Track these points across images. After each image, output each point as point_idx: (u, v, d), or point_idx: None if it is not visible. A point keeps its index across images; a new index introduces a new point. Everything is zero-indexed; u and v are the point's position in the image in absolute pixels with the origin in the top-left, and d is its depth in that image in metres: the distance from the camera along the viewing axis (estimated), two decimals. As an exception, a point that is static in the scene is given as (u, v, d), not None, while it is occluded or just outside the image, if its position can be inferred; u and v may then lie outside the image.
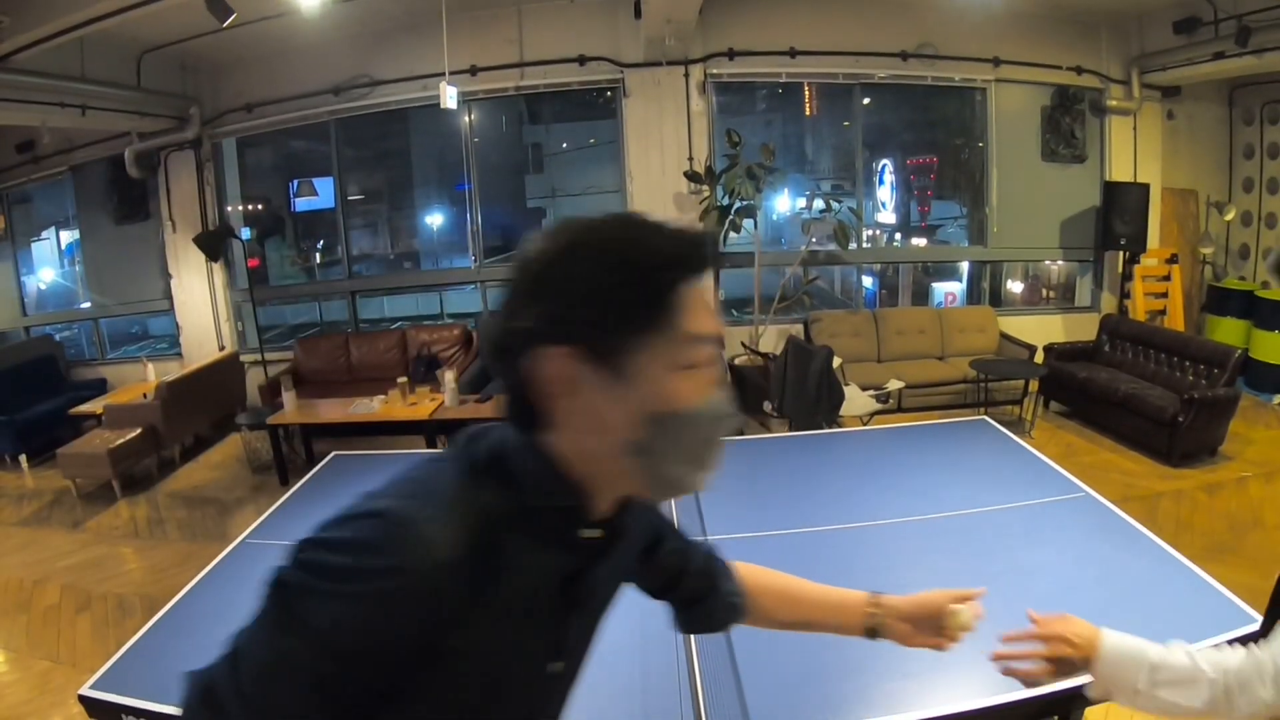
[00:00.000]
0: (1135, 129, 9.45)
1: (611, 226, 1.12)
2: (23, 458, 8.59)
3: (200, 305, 10.11)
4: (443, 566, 0.98)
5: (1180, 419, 6.69)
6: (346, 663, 0.97)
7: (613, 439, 1.08)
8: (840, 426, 6.86)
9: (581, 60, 9.02)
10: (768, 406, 8.05)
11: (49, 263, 11.67)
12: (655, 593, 1.64)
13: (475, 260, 10.04)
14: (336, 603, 0.96)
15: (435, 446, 7.19)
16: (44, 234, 11.61)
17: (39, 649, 5.04)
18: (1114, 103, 9.31)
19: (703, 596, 1.65)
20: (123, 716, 2.49)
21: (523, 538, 1.08)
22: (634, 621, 2.79)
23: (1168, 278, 9.24)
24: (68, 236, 11.46)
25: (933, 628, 1.73)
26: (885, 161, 10.45)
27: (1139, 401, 7.13)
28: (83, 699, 2.56)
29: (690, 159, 9.11)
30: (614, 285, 1.05)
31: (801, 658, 2.55)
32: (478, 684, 1.09)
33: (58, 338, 10.78)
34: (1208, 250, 9.80)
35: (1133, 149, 9.45)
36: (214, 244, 9.22)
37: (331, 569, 0.98)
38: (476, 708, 1.11)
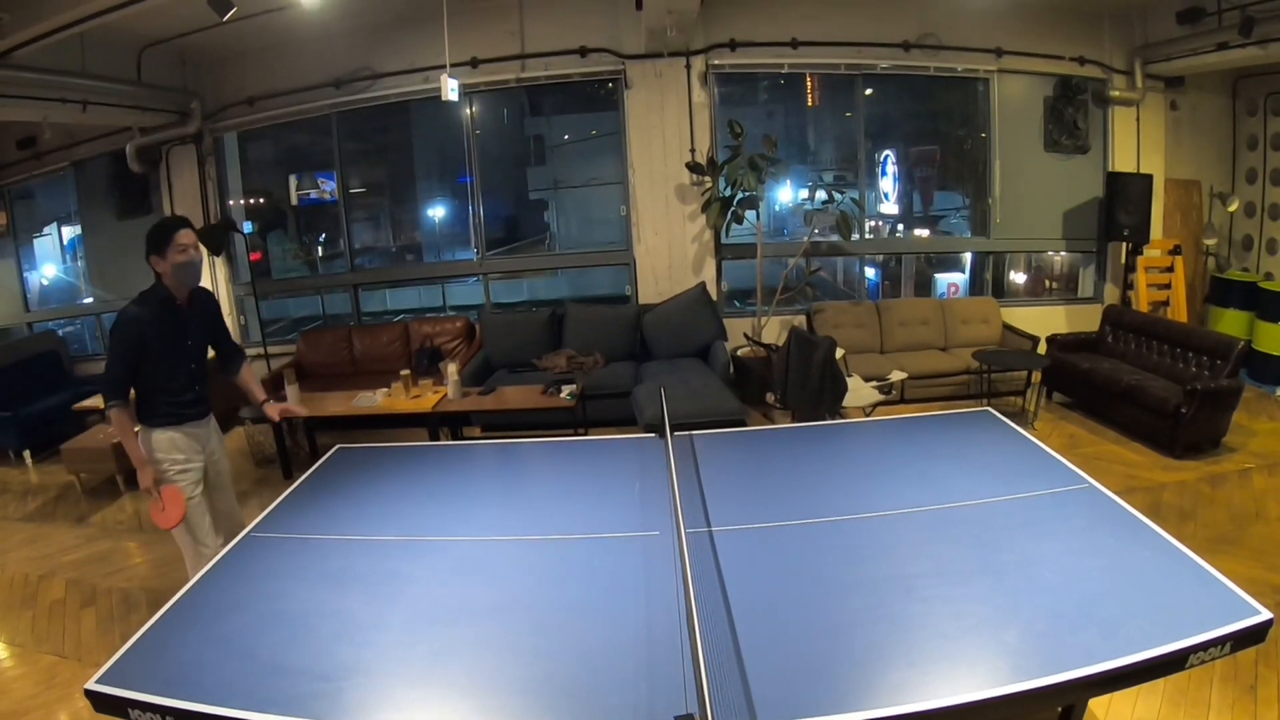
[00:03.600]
0: (1138, 119, 9.43)
1: (152, 228, 4.15)
2: (27, 453, 8.61)
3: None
4: (137, 316, 4.10)
5: (1183, 410, 6.69)
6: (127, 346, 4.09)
7: (170, 274, 4.17)
8: (843, 418, 6.86)
9: (583, 52, 9.01)
10: (770, 398, 8.06)
11: (51, 258, 11.68)
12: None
13: (478, 252, 10.03)
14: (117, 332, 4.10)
15: (438, 439, 7.20)
16: (46, 230, 11.61)
17: (45, 644, 5.05)
18: (1117, 93, 9.29)
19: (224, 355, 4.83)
20: (129, 710, 2.50)
21: (158, 307, 4.17)
22: (639, 613, 2.81)
23: (1171, 269, 9.21)
24: (70, 232, 11.46)
25: None
26: (888, 152, 10.42)
27: (1142, 393, 7.12)
28: (89, 693, 2.56)
29: (692, 150, 9.10)
30: (155, 235, 4.13)
31: (807, 649, 2.55)
32: (158, 350, 4.17)
33: (61, 333, 10.78)
34: (1211, 241, 9.79)
35: (1136, 140, 9.43)
36: (216, 238, 9.20)
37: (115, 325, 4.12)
38: (161, 360, 4.19)
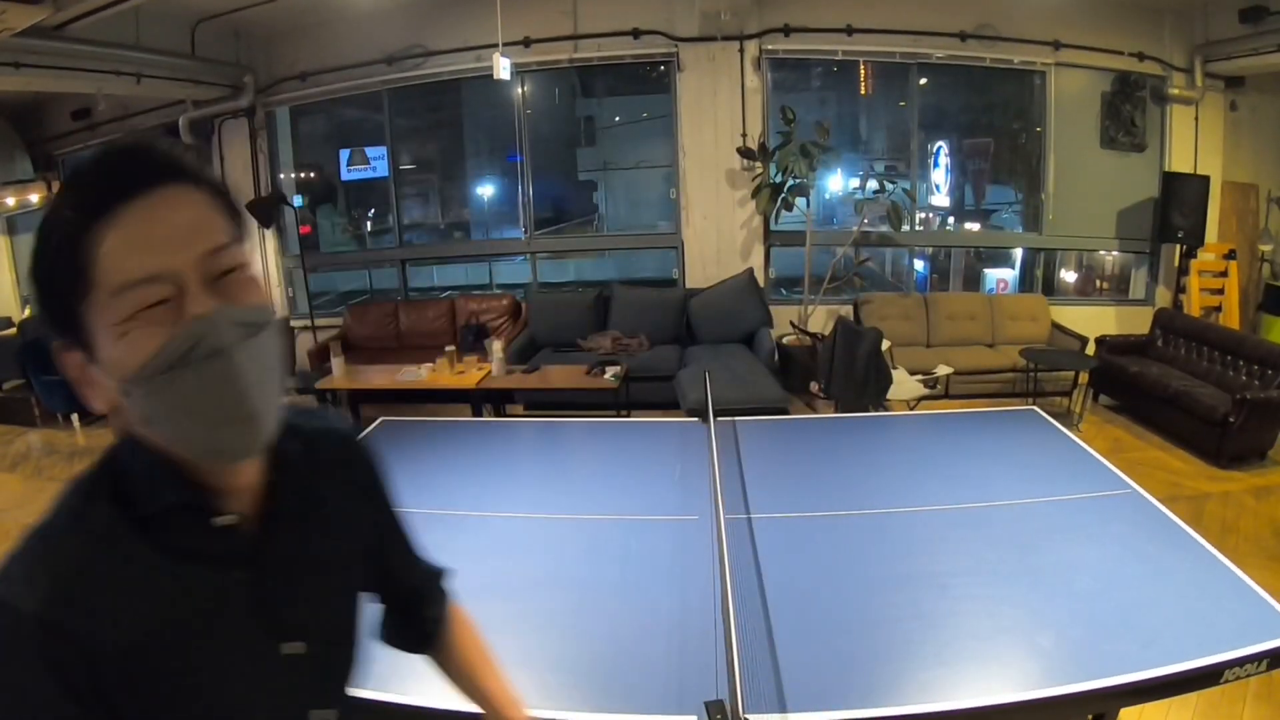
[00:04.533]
0: (1197, 119, 9.24)
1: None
2: (75, 417, 8.74)
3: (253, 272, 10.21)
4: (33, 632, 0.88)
5: (1231, 419, 6.57)
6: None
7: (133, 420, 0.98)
8: (887, 410, 6.82)
9: (636, 34, 8.98)
10: (814, 387, 8.03)
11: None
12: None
13: (526, 231, 10.07)
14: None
15: (481, 415, 7.25)
16: (99, 199, 11.74)
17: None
18: (1176, 91, 9.11)
19: (406, 609, 1.56)
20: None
21: (150, 554, 0.98)
22: (674, 596, 2.81)
23: (1225, 274, 9.02)
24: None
25: None
26: (941, 143, 10.30)
27: (1190, 399, 7.01)
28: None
29: (744, 135, 9.06)
30: (42, 263, 0.93)
31: (839, 642, 2.55)
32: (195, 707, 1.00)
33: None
34: (1267, 248, 9.61)
35: (1194, 140, 9.25)
36: (266, 211, 9.29)
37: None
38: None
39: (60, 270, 0.91)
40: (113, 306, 0.91)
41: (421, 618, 1.56)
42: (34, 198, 10.52)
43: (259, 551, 1.07)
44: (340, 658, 1.26)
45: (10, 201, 10.31)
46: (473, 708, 1.56)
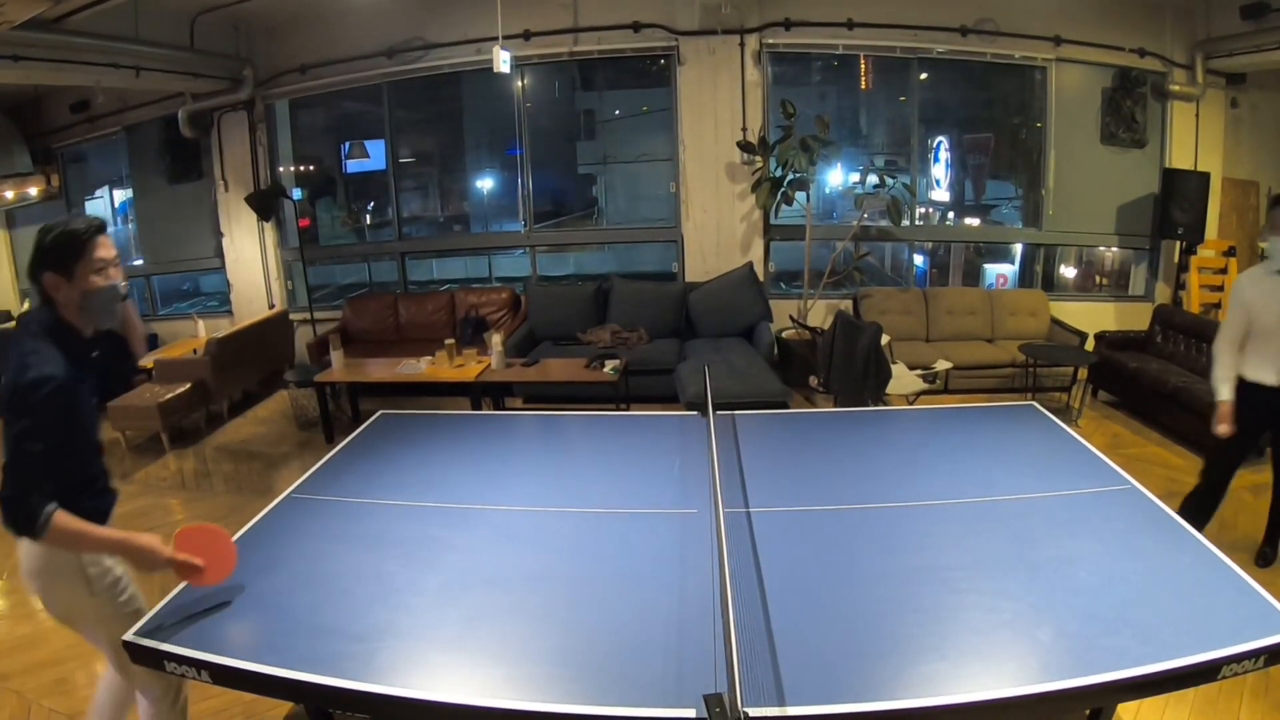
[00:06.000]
0: (1197, 116, 9.23)
1: (48, 230, 2.64)
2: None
3: (251, 264, 10.25)
4: (62, 374, 2.53)
5: None
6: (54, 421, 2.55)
7: (72, 305, 2.67)
8: (886, 405, 6.82)
9: (636, 27, 8.97)
10: (813, 381, 8.03)
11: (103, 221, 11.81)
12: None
13: (525, 225, 10.06)
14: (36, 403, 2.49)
15: (480, 408, 7.26)
16: (98, 192, 11.81)
17: (86, 595, 5.14)
18: (1177, 88, 9.10)
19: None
20: (165, 663, 2.54)
21: (67, 350, 2.62)
22: (673, 590, 2.82)
23: (1224, 270, 9.00)
24: (121, 195, 11.65)
25: None
26: (941, 138, 10.30)
27: (1189, 395, 6.99)
28: (126, 645, 2.61)
29: (744, 129, 9.05)
30: (58, 244, 2.62)
31: (838, 635, 2.55)
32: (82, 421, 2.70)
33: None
34: (1266, 244, 9.59)
35: (1194, 136, 9.24)
36: (266, 203, 9.31)
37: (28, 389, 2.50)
38: (82, 434, 2.71)
39: (72, 247, 2.61)
40: (94, 264, 2.65)
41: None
42: (33, 191, 10.53)
43: (89, 358, 2.79)
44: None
45: (9, 195, 10.31)
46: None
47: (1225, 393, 4.52)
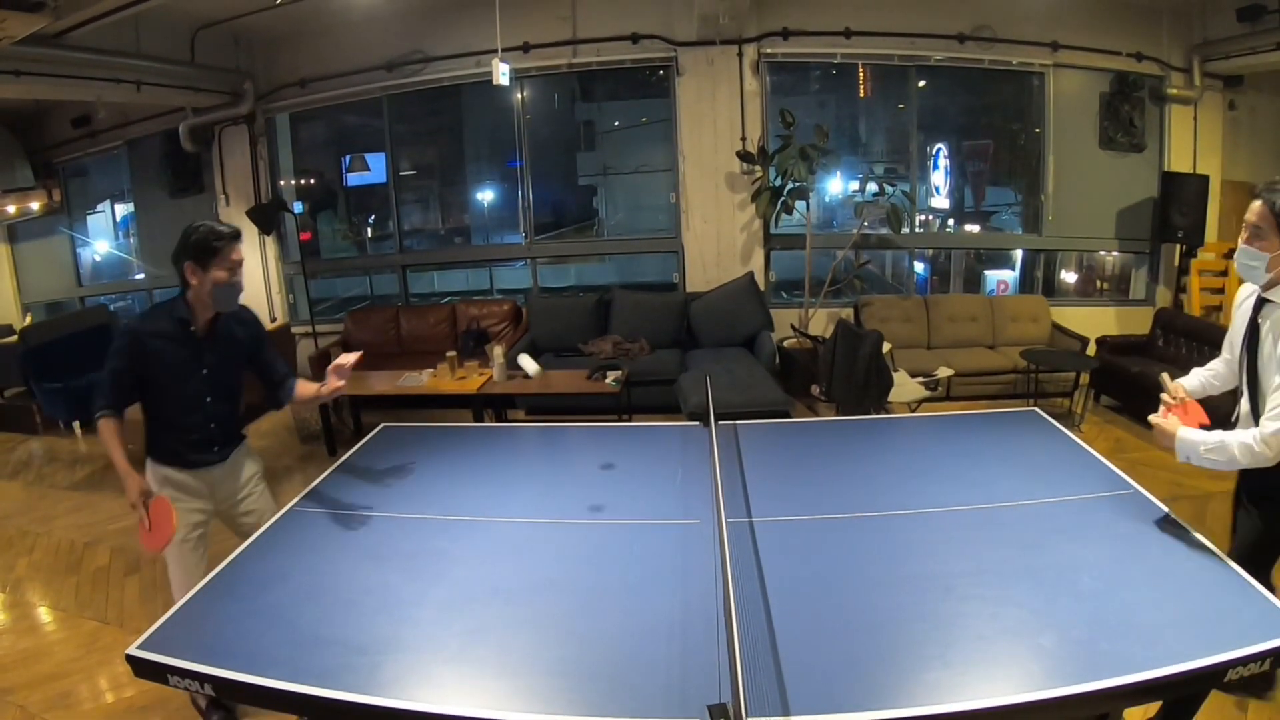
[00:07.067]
0: (1195, 119, 9.25)
1: (196, 229, 3.48)
2: (76, 424, 8.77)
3: (253, 277, 10.25)
4: (137, 334, 3.52)
5: (1233, 419, 6.55)
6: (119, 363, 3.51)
7: (205, 292, 3.52)
8: (888, 412, 6.82)
9: (634, 38, 9.00)
10: (815, 390, 8.02)
11: (104, 234, 11.91)
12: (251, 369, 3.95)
13: (526, 236, 10.07)
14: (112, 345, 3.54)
15: (483, 420, 7.25)
16: (99, 206, 11.85)
17: (87, 609, 5.16)
18: (1174, 91, 9.12)
19: (268, 386, 4.00)
20: (169, 677, 2.53)
21: (169, 328, 3.55)
22: (676, 600, 2.81)
23: (1225, 273, 9.00)
24: (123, 209, 11.67)
25: None
26: (940, 145, 10.31)
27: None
28: (130, 659, 2.59)
29: (743, 139, 9.07)
30: (201, 243, 3.46)
31: (842, 644, 2.54)
32: (162, 381, 3.59)
33: (112, 308, 10.98)
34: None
35: (1193, 139, 9.26)
36: (267, 217, 9.32)
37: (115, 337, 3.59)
38: (166, 392, 3.62)
39: (212, 246, 3.47)
40: (226, 263, 3.50)
41: (276, 396, 4.02)
42: (34, 205, 10.55)
43: (205, 344, 3.64)
44: (225, 381, 3.79)
45: (11, 209, 10.33)
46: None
47: (1186, 382, 4.18)
